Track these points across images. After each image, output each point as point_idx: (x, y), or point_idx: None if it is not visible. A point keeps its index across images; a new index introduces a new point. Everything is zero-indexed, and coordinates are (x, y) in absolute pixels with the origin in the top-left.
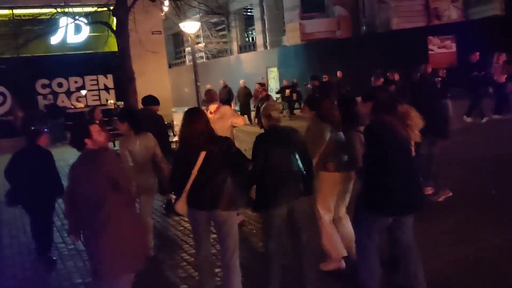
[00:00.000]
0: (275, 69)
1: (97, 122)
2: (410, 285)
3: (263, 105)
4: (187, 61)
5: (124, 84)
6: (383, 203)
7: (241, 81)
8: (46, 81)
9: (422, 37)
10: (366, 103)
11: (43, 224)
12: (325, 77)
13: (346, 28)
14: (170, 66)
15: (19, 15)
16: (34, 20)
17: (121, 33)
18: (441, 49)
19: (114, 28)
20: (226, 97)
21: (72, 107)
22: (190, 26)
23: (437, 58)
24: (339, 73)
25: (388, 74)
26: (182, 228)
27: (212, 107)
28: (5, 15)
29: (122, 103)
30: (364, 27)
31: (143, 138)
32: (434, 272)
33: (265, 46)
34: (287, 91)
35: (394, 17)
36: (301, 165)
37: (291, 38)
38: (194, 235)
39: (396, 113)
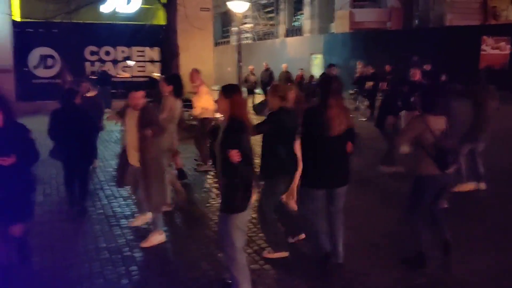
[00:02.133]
0: (320, 56)
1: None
2: (332, 252)
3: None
4: (232, 41)
5: (168, 58)
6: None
7: (284, 65)
8: (94, 48)
9: (476, 36)
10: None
11: (81, 176)
12: (372, 69)
13: (397, 20)
14: (216, 44)
15: None
16: None
17: (170, 7)
18: (495, 50)
19: (164, 1)
20: (267, 80)
21: (118, 76)
22: (238, 5)
23: (489, 58)
24: (387, 67)
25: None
26: (208, 205)
27: None
28: None
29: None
30: (417, 21)
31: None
32: (457, 277)
33: (312, 32)
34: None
35: (448, 12)
36: None
37: (340, 25)
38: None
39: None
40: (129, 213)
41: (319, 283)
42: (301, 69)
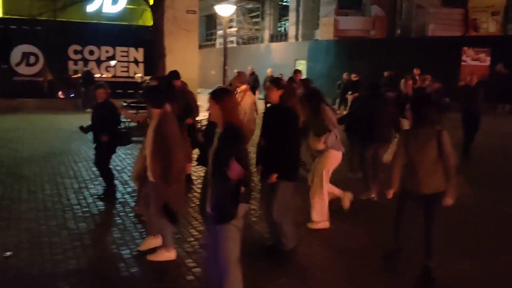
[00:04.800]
0: (304, 62)
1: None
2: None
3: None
4: (217, 44)
5: (154, 59)
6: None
7: (269, 70)
8: (78, 47)
9: (457, 47)
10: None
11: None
12: (355, 76)
13: (381, 29)
14: (200, 47)
15: None
16: None
17: (157, 9)
18: (475, 61)
19: (151, 3)
20: (252, 84)
21: (100, 75)
22: (225, 9)
23: (469, 69)
24: (386, 73)
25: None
26: (193, 205)
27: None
28: None
29: (149, 78)
30: (399, 30)
31: None
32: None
33: (296, 38)
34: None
35: (430, 23)
36: None
37: (324, 32)
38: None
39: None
40: (114, 211)
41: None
42: (281, 74)
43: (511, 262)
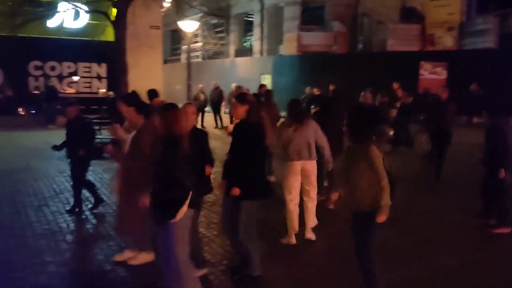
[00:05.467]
0: (269, 77)
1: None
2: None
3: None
4: (182, 59)
5: (117, 75)
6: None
7: (233, 85)
8: (39, 63)
9: (415, 61)
10: (243, 105)
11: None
12: (317, 90)
13: (342, 44)
14: (165, 62)
15: None
16: (34, 1)
17: (119, 25)
18: (432, 75)
19: (113, 19)
20: (216, 99)
21: (63, 91)
22: (188, 25)
23: (426, 83)
24: (331, 86)
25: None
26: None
27: None
28: None
29: (113, 93)
30: (361, 45)
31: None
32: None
33: (261, 53)
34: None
35: (390, 38)
36: None
37: (288, 48)
38: None
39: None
40: (73, 228)
41: None
42: (247, 89)
43: (449, 265)
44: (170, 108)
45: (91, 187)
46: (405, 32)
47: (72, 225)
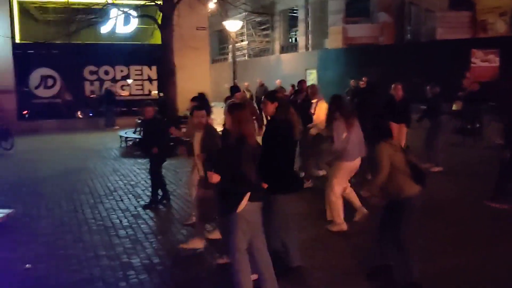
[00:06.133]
0: (314, 71)
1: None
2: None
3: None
4: (229, 58)
5: (165, 76)
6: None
7: (277, 81)
8: (94, 68)
9: (466, 49)
10: (273, 103)
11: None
12: (363, 83)
13: (389, 35)
14: (213, 61)
15: (74, 4)
16: (87, 9)
17: (166, 27)
18: (484, 62)
19: (160, 22)
20: (261, 96)
21: (117, 94)
22: (232, 24)
23: (478, 71)
24: (364, 79)
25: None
26: None
27: None
28: (61, 3)
29: (162, 94)
30: (409, 35)
31: None
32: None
33: (306, 48)
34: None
35: (439, 27)
36: None
37: (333, 41)
38: None
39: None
40: (127, 224)
41: None
42: (293, 84)
43: (494, 255)
44: (239, 107)
45: (162, 184)
46: (454, 20)
47: (124, 221)
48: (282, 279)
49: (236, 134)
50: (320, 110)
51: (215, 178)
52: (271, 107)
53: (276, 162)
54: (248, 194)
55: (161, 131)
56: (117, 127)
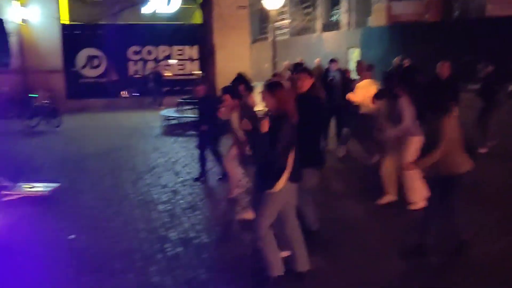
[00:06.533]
0: (357, 50)
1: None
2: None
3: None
4: (270, 37)
5: (205, 56)
6: None
7: (316, 60)
8: (137, 48)
9: None
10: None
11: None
12: (407, 62)
13: (435, 12)
14: (254, 41)
15: None
16: None
17: (206, 7)
18: None
19: (200, 1)
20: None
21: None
22: (273, 2)
23: None
24: (405, 62)
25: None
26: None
27: None
28: None
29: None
30: (456, 12)
31: None
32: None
33: (348, 26)
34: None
35: (489, 3)
36: None
37: (377, 19)
38: None
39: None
40: (165, 199)
41: None
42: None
43: None
44: (279, 86)
45: (204, 161)
46: None
47: (163, 197)
48: (314, 256)
49: (278, 112)
50: (363, 88)
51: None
52: (309, 82)
53: (306, 136)
54: (287, 174)
55: (213, 110)
56: (163, 107)
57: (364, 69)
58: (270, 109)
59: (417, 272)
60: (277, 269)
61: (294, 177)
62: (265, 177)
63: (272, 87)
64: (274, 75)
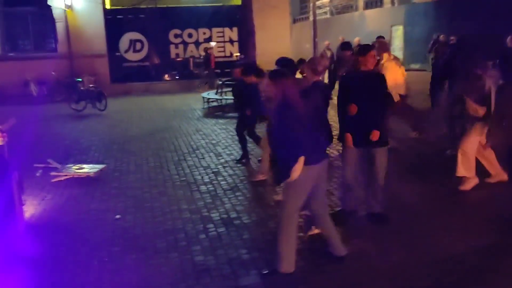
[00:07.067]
0: (400, 28)
1: None
2: None
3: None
4: (311, 17)
5: (244, 37)
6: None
7: (356, 39)
8: (178, 31)
9: None
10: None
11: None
12: (453, 39)
13: None
14: (295, 21)
15: None
16: None
17: None
18: None
19: None
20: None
21: (200, 57)
22: None
23: None
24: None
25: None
26: None
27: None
28: None
29: (242, 55)
30: None
31: None
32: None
33: (392, 3)
34: None
35: None
36: None
37: None
38: None
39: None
40: (207, 180)
41: None
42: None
43: None
44: (283, 74)
45: (244, 142)
46: None
47: (205, 178)
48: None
49: (279, 100)
50: (392, 72)
51: None
52: (374, 60)
53: (383, 114)
54: (302, 158)
55: (252, 92)
56: (212, 90)
57: (385, 48)
58: (274, 98)
59: (466, 255)
60: (288, 266)
61: (313, 160)
62: (280, 166)
63: (275, 76)
64: (321, 55)
